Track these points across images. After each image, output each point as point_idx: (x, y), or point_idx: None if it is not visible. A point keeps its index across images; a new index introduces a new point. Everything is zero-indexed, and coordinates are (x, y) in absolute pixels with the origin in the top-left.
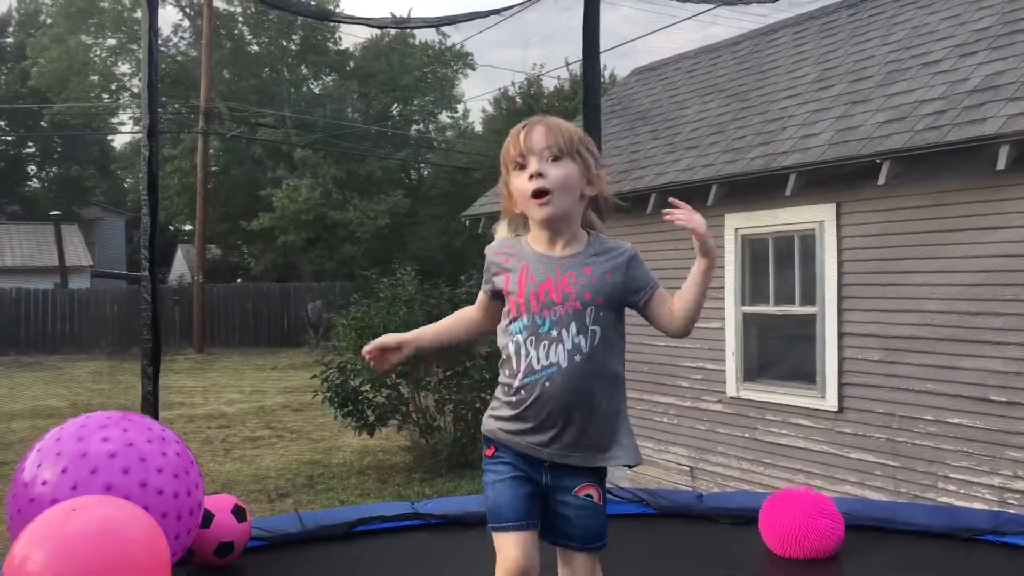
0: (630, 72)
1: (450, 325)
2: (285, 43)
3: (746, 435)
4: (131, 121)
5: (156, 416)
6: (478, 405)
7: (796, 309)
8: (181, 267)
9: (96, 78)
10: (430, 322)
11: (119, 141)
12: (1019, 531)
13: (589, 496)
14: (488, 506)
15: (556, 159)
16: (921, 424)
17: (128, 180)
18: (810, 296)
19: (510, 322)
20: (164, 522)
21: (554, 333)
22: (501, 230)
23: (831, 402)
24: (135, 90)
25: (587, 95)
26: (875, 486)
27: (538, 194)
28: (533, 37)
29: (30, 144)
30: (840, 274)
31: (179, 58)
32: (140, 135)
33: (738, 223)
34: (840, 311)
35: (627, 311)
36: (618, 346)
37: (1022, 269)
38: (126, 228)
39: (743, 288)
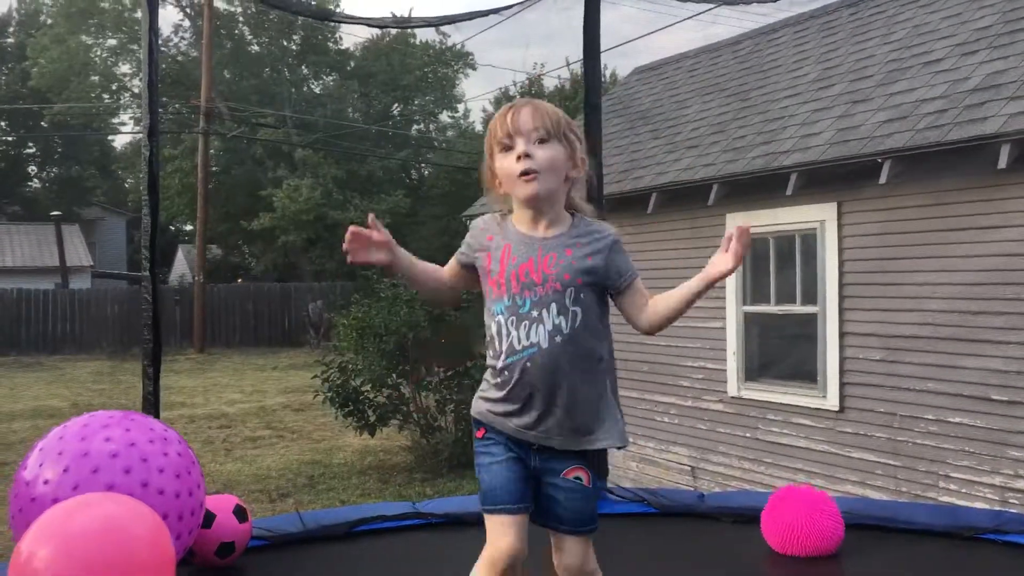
0: (631, 71)
1: (425, 268)
2: (286, 43)
3: (747, 435)
4: (132, 121)
5: (157, 416)
6: None
7: (797, 308)
8: (182, 267)
9: (97, 78)
10: (432, 322)
11: (120, 141)
12: (1020, 530)
13: (578, 479)
14: (481, 488)
15: (543, 141)
16: (922, 423)
17: (129, 180)
18: (811, 295)
19: (492, 303)
20: (165, 522)
21: (535, 313)
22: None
23: (832, 401)
24: (136, 90)
25: (588, 95)
26: (876, 485)
27: (524, 174)
28: (533, 37)
29: (31, 144)
30: (841, 273)
31: (180, 58)
32: (141, 135)
33: (739, 222)
34: (841, 310)
35: None
36: (600, 329)
37: (1023, 268)
38: (127, 228)
39: (744, 287)
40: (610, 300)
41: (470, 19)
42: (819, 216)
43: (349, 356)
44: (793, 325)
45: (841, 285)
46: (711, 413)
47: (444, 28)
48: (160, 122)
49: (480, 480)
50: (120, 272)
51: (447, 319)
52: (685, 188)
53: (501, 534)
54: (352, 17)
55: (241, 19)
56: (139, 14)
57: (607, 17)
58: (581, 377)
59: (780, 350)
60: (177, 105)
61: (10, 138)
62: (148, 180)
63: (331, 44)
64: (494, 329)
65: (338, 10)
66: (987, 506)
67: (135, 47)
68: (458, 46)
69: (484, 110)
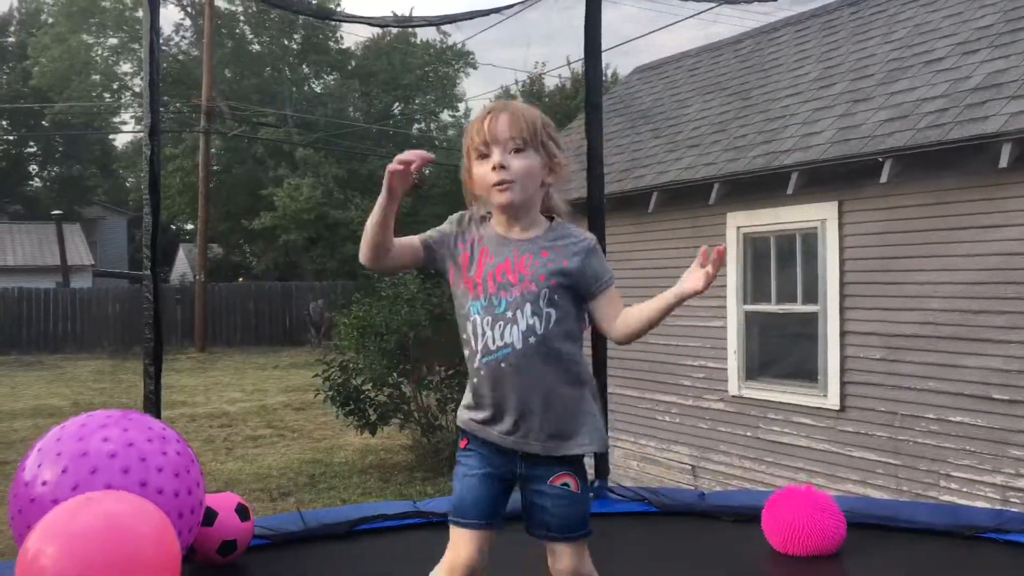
0: (632, 70)
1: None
2: (286, 42)
3: (748, 434)
4: (133, 120)
5: (158, 415)
6: None
7: (798, 307)
8: (183, 266)
9: (98, 77)
10: (433, 321)
11: (121, 140)
12: (1021, 529)
13: (566, 485)
14: (453, 499)
15: (519, 151)
16: (923, 422)
17: (130, 179)
18: (812, 294)
19: (468, 302)
20: None
21: (509, 314)
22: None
23: (833, 400)
24: (137, 89)
25: (589, 94)
26: (877, 484)
27: (499, 183)
28: (534, 36)
29: (32, 144)
30: (842, 272)
31: (181, 57)
32: (142, 134)
33: (740, 221)
34: (842, 309)
35: None
36: (577, 332)
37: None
38: (128, 227)
39: (745, 286)
40: None
41: (471, 18)
42: (820, 215)
43: (350, 355)
44: (794, 324)
45: (842, 284)
46: (712, 412)
47: (445, 27)
48: (161, 121)
49: (453, 488)
50: (121, 271)
51: (448, 318)
52: (686, 187)
53: (463, 545)
54: (353, 16)
55: (242, 18)
56: (140, 13)
57: (608, 16)
58: (556, 380)
59: (781, 349)
60: (178, 104)
61: (11, 137)
62: (149, 179)
63: (332, 43)
64: (469, 329)
65: (339, 9)
66: (988, 505)
67: (136, 46)
68: (459, 45)
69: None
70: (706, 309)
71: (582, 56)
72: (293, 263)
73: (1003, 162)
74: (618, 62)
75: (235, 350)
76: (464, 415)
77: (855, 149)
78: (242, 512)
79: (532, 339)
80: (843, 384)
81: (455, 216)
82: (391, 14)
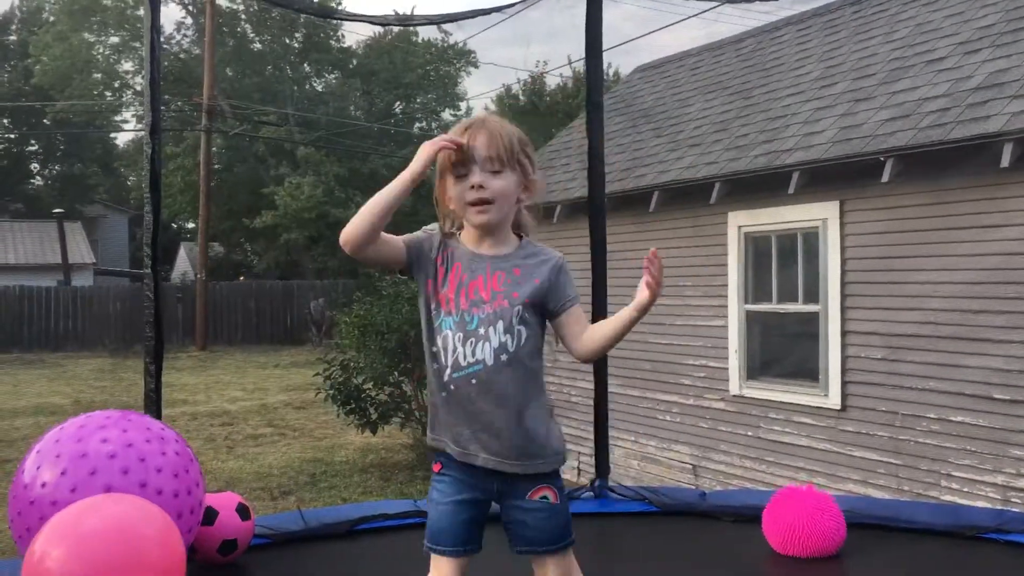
0: (633, 70)
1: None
2: (288, 41)
3: (749, 433)
4: (134, 119)
5: (159, 414)
6: None
7: (799, 307)
8: (184, 265)
9: (99, 76)
10: None
11: (122, 139)
12: (1022, 529)
13: (544, 498)
14: (428, 525)
15: (496, 172)
16: (924, 422)
17: (131, 178)
18: (813, 294)
19: (440, 318)
20: None
21: (481, 331)
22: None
23: (834, 400)
24: (138, 88)
25: (590, 93)
26: (878, 484)
27: (476, 203)
28: (536, 35)
29: (33, 142)
30: (843, 272)
31: (182, 56)
32: (143, 133)
33: (741, 221)
34: (843, 309)
35: None
36: (541, 348)
37: None
38: (129, 226)
39: (746, 286)
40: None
41: (472, 17)
42: (821, 214)
43: (351, 354)
44: (795, 323)
45: (843, 284)
46: (713, 411)
47: (446, 26)
48: (162, 120)
49: (428, 515)
50: (122, 269)
51: None
52: (687, 186)
53: (441, 572)
54: (354, 15)
55: (243, 17)
56: (141, 11)
57: (609, 15)
58: (526, 396)
59: (782, 348)
60: (179, 103)
61: (13, 135)
62: (150, 178)
63: (333, 42)
64: (439, 343)
65: (340, 8)
66: (989, 505)
67: (137, 44)
68: (460, 44)
69: (486, 108)
70: (707, 308)
71: (583, 55)
72: (294, 262)
73: (1004, 162)
74: (619, 61)
75: (236, 349)
76: (437, 437)
77: (856, 148)
78: (243, 511)
79: (504, 356)
80: (844, 384)
81: (430, 227)
82: (392, 13)
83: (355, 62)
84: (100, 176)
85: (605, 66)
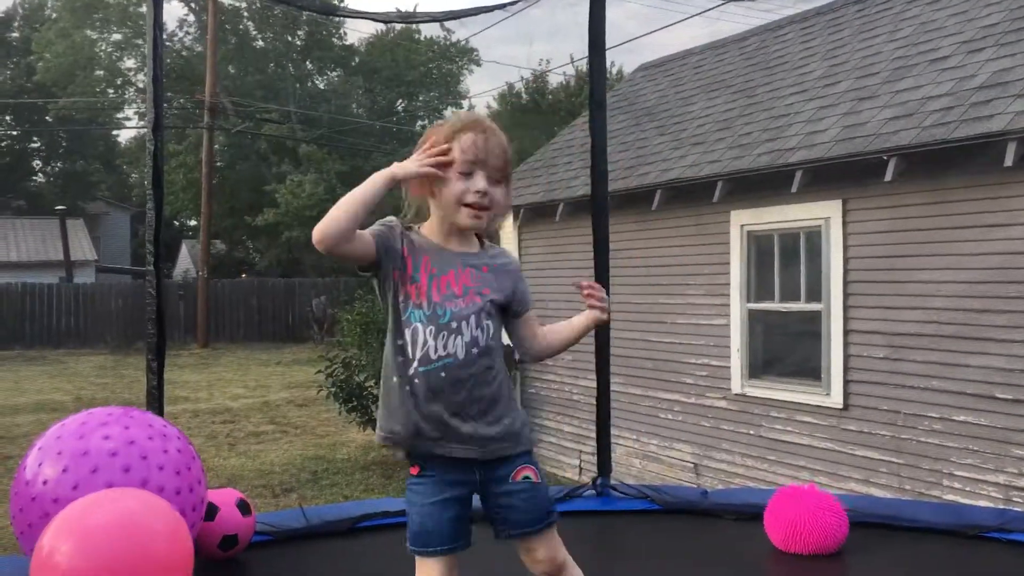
0: (636, 68)
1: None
2: (290, 38)
3: (751, 432)
4: (136, 116)
5: (161, 411)
6: None
7: (801, 306)
8: (186, 262)
9: (101, 73)
10: None
11: (124, 136)
12: None
13: (527, 478)
14: (412, 528)
15: (498, 182)
16: (926, 421)
17: (133, 175)
18: (816, 293)
19: (409, 310)
20: None
21: (454, 325)
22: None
23: (836, 399)
24: (140, 85)
25: (593, 91)
26: (880, 483)
27: (476, 207)
28: (538, 33)
29: (35, 139)
30: (846, 271)
31: (184, 53)
32: (145, 130)
33: (744, 219)
34: (846, 308)
35: None
36: (501, 341)
37: None
38: (131, 223)
39: (749, 284)
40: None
41: (475, 15)
42: (824, 213)
43: (353, 351)
44: (797, 322)
45: (846, 282)
46: (715, 410)
47: (449, 24)
48: (164, 117)
49: (409, 519)
50: (124, 267)
51: None
52: (690, 185)
53: (433, 573)
54: (357, 12)
55: (246, 14)
56: (144, 9)
57: (612, 14)
58: (494, 388)
59: (784, 347)
60: (182, 100)
61: (15, 132)
62: (152, 175)
63: (336, 40)
64: (408, 335)
65: (343, 5)
66: (991, 504)
67: (140, 42)
68: (463, 42)
69: (488, 106)
70: (709, 307)
71: (586, 53)
72: (296, 259)
73: (1008, 161)
74: (622, 59)
75: (238, 346)
76: (392, 433)
77: (860, 147)
78: (243, 507)
79: (475, 350)
80: (846, 383)
81: (388, 220)
82: (395, 10)
83: (357, 60)
84: (102, 173)
85: (608, 64)
